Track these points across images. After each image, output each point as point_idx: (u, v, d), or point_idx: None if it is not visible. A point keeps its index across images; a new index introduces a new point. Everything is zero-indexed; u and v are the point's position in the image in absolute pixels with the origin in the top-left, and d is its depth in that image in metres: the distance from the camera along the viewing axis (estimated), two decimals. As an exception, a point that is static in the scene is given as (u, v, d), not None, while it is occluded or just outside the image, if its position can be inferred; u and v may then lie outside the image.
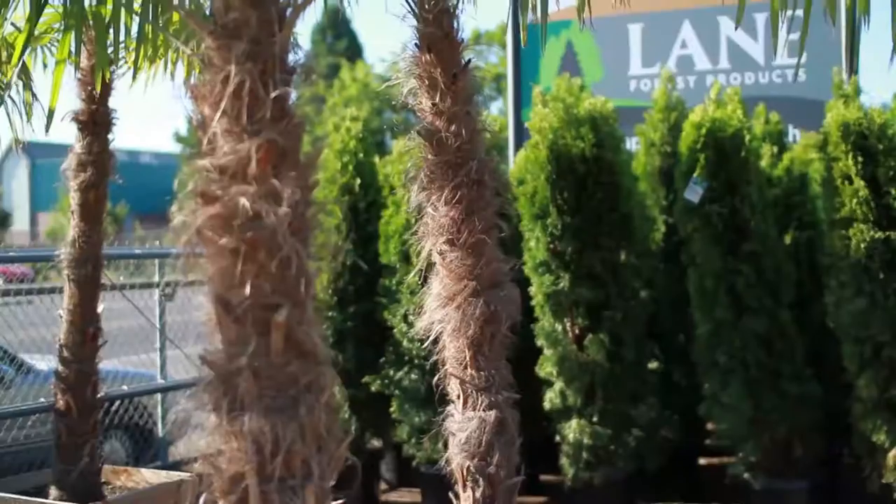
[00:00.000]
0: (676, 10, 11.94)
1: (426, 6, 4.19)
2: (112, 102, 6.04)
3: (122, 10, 3.74)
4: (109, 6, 3.83)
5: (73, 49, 3.55)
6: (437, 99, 4.14)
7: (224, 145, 2.17)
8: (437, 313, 4.15)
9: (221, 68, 2.20)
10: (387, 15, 4.56)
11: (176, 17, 4.66)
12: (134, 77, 3.80)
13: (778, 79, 11.48)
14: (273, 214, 2.11)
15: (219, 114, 2.18)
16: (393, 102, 4.35)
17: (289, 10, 2.31)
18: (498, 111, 34.44)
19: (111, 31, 3.91)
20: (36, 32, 5.23)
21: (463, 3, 4.29)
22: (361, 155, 8.81)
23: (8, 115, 6.04)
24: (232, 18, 2.23)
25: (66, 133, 5.23)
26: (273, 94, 2.18)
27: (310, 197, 2.23)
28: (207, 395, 2.18)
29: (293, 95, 2.26)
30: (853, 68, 9.93)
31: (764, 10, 8.56)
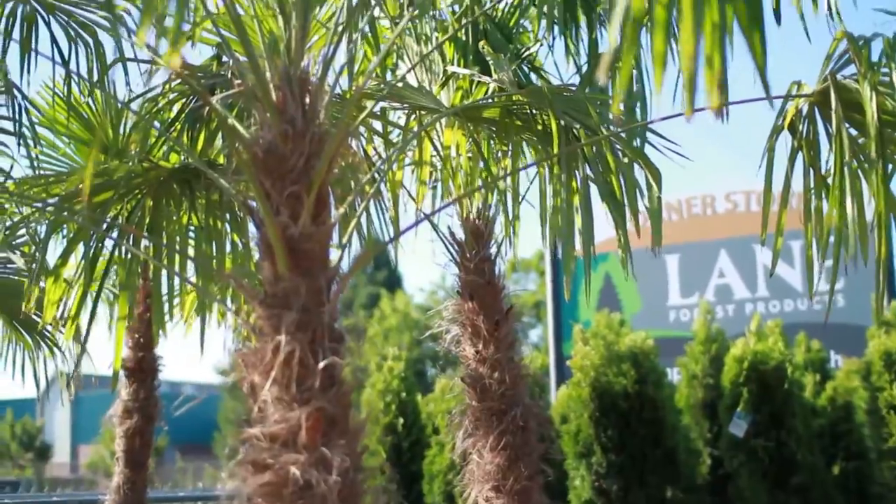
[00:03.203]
0: (713, 241, 12.11)
1: (467, 255, 4.29)
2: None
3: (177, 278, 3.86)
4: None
5: (129, 310, 3.66)
6: (481, 346, 4.20)
7: (274, 413, 2.21)
8: (484, 562, 4.11)
9: (271, 337, 2.26)
10: (428, 247, 4.64)
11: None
12: (195, 327, 3.90)
13: (817, 305, 11.53)
14: (323, 482, 2.13)
15: (269, 382, 2.22)
16: (435, 345, 4.41)
17: (337, 279, 2.37)
18: (537, 338, 34.50)
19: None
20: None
21: (506, 252, 4.40)
22: (404, 394, 8.83)
23: (56, 365, 6.16)
24: (282, 287, 2.29)
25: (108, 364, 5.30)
26: (322, 364, 2.22)
27: (359, 462, 2.25)
28: None
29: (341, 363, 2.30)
30: (890, 298, 9.96)
31: (799, 237, 8.68)
